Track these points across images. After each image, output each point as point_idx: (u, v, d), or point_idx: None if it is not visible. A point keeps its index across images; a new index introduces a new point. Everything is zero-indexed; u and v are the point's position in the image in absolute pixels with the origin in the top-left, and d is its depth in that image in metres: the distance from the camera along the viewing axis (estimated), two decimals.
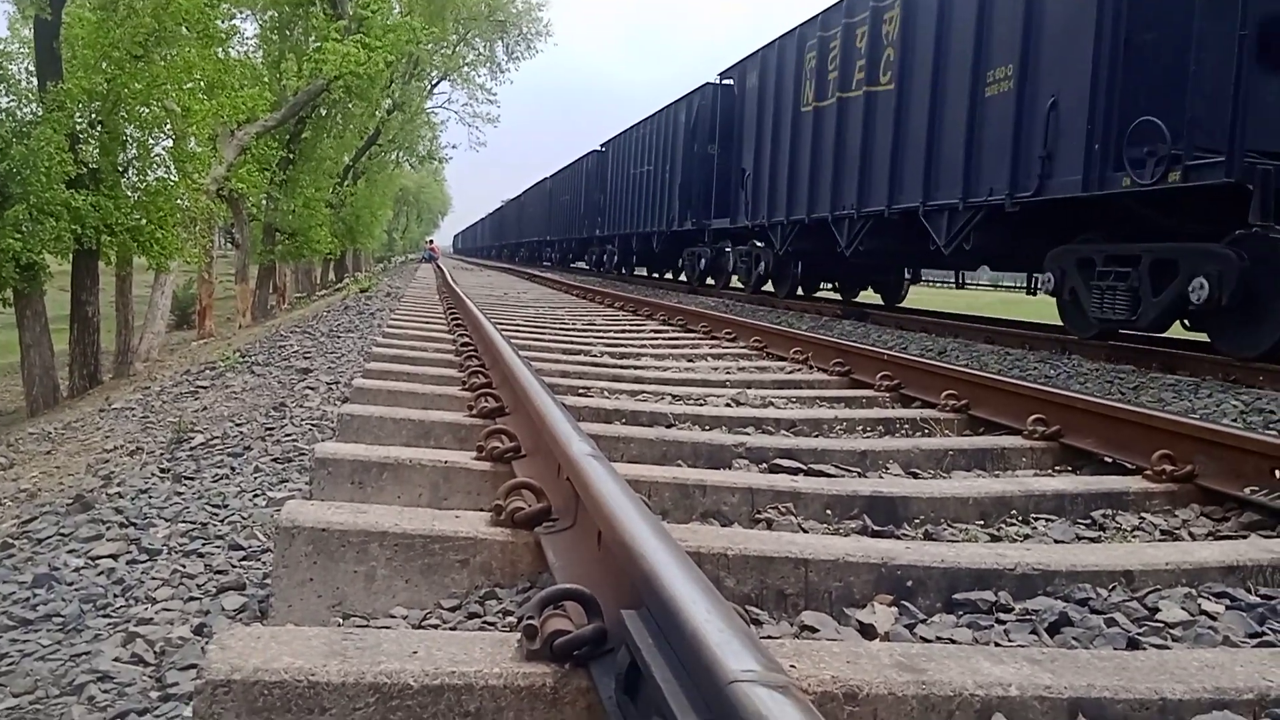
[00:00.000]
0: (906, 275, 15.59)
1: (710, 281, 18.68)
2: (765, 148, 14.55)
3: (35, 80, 13.28)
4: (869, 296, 16.46)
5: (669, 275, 24.11)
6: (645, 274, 25.56)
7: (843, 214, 11.96)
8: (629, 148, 23.47)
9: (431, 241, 51.89)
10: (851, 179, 11.72)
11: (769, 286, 15.65)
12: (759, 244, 15.50)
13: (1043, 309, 11.58)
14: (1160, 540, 2.61)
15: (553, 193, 35.37)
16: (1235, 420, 4.87)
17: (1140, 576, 2.10)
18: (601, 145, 27.16)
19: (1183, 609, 1.97)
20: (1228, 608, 1.99)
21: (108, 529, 2.96)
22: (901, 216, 10.64)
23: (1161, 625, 1.90)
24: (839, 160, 12.09)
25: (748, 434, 3.66)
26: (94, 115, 13.75)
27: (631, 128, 23.45)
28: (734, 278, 17.20)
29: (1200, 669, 1.53)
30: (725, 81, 17.03)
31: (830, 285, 16.73)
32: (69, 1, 13.43)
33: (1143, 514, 2.80)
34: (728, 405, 4.41)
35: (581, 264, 32.85)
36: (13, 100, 13.05)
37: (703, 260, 18.40)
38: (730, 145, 16.34)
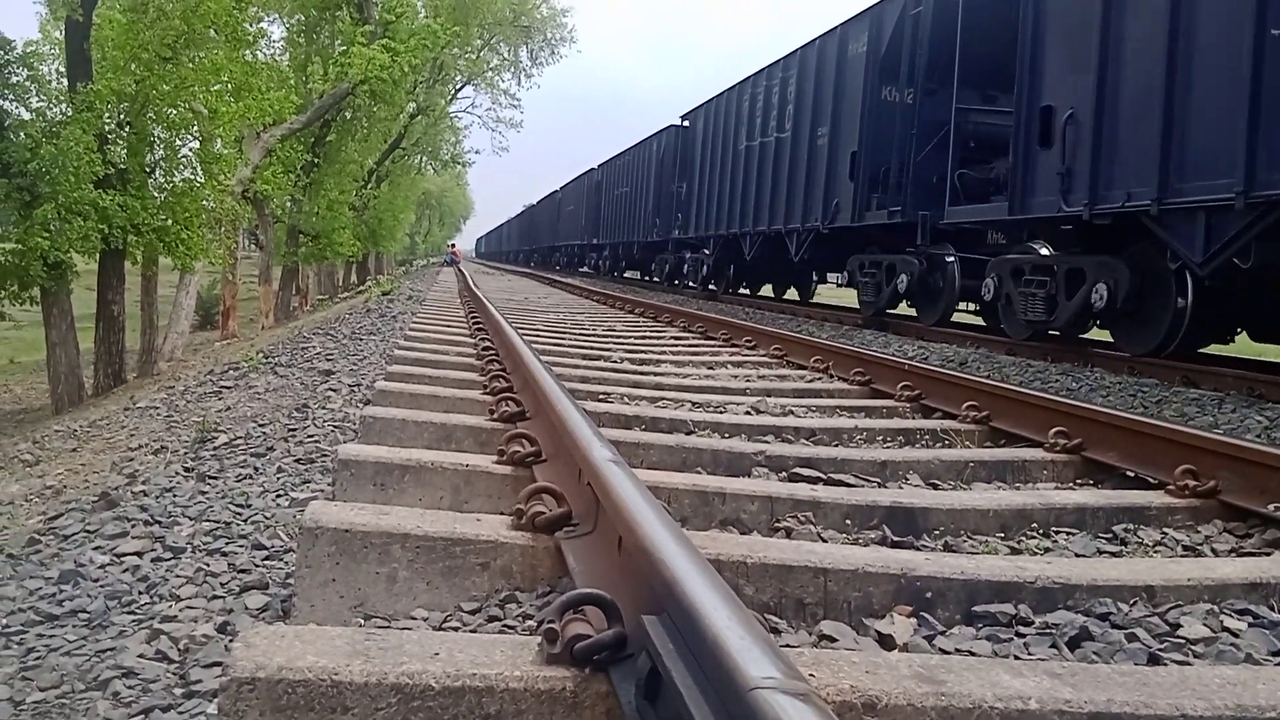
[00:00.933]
0: None
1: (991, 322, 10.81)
2: None
3: (65, 81, 13.45)
4: None
5: (799, 297, 17.56)
6: (765, 295, 18.59)
7: None
8: (738, 110, 16.73)
9: (453, 245, 52.06)
10: None
11: None
12: None
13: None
14: (1182, 556, 2.59)
15: (603, 187, 29.85)
16: (1259, 436, 4.83)
17: (1162, 592, 2.09)
18: (683, 117, 20.74)
19: (1205, 625, 1.96)
20: (1250, 625, 1.98)
21: (133, 526, 3.00)
22: None
23: (1183, 641, 1.89)
24: None
25: (767, 442, 3.66)
26: (122, 116, 13.92)
27: (750, 78, 16.15)
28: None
29: (1222, 686, 1.52)
30: None
31: None
32: (99, 3, 13.59)
33: (1165, 529, 2.78)
34: (747, 413, 4.41)
35: (634, 273, 27.51)
36: (43, 100, 13.22)
37: (986, 285, 9.55)
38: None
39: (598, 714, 1.38)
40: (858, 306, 12.88)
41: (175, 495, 3.36)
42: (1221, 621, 1.99)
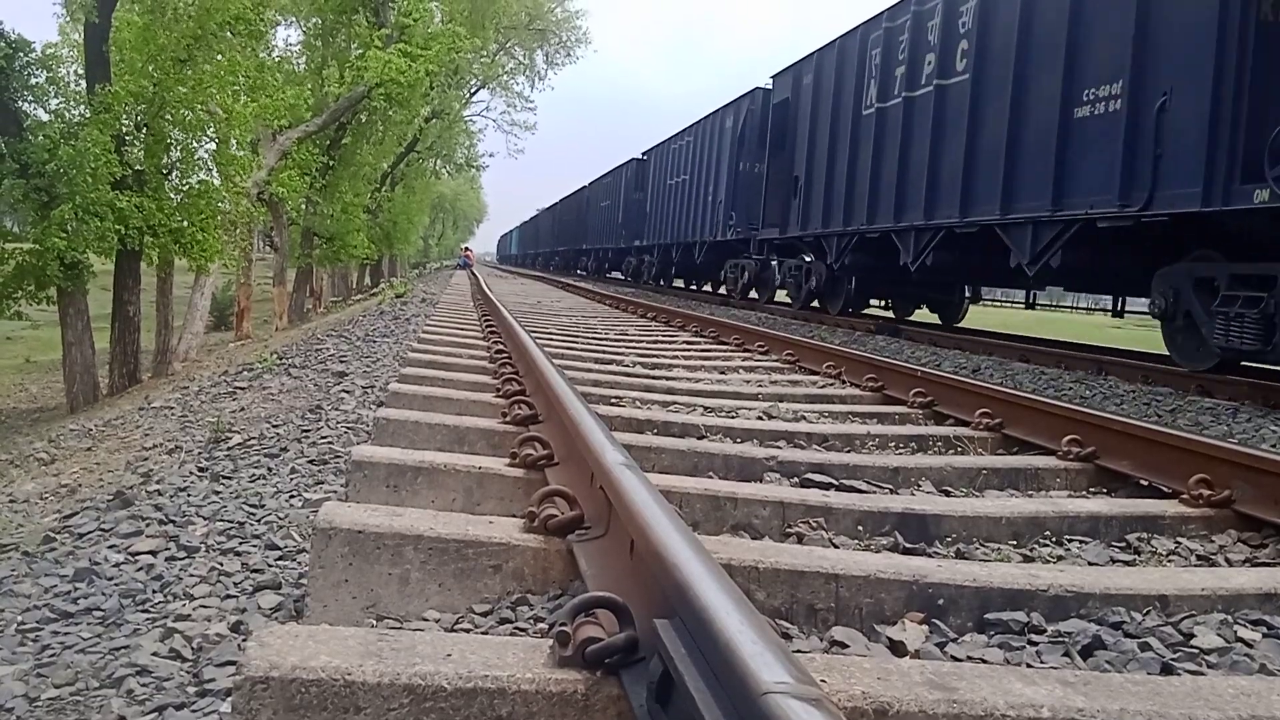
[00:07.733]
0: None
1: None
2: None
3: (84, 83, 13.54)
4: None
5: None
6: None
7: None
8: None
9: (467, 248, 52.13)
10: None
11: None
12: None
13: (1081, 329, 10.53)
14: (1196, 565, 2.58)
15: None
16: (1274, 446, 4.80)
17: (1175, 601, 2.08)
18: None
19: (1218, 635, 1.95)
20: (1264, 635, 1.97)
21: (147, 525, 3.02)
22: None
23: (1196, 651, 1.88)
24: None
25: (779, 448, 3.66)
26: (140, 118, 14.00)
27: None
28: None
29: (1236, 696, 1.51)
30: None
31: None
32: (118, 5, 13.68)
33: (1179, 538, 2.77)
34: (759, 418, 4.41)
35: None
36: (62, 102, 13.31)
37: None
38: None
39: (609, 717, 1.38)
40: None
41: (189, 495, 3.38)
42: (1235, 631, 1.98)
